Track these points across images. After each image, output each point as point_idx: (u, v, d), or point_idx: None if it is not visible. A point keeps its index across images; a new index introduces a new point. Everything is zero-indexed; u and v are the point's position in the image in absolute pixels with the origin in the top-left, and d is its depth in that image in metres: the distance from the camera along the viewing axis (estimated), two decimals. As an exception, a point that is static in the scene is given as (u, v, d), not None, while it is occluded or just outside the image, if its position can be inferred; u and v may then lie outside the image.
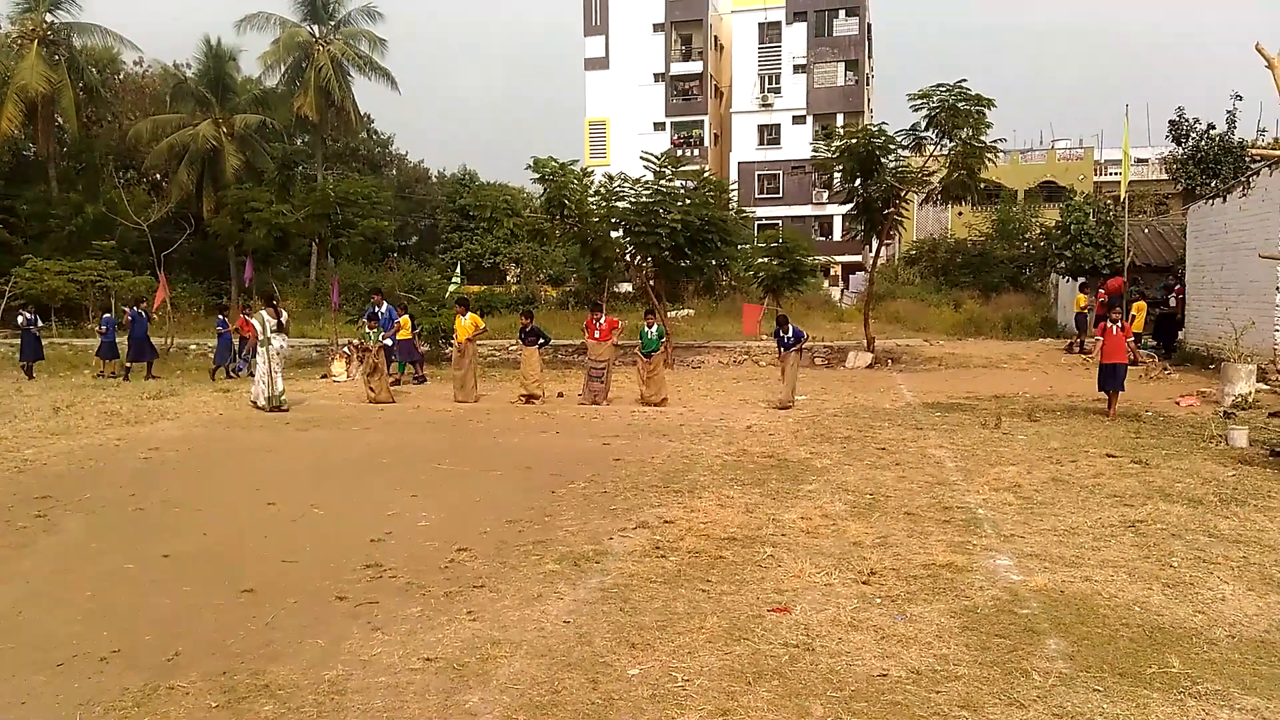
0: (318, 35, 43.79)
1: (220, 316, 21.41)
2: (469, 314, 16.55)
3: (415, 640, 5.15)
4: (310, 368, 22.32)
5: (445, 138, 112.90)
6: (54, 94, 35.93)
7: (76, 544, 7.21)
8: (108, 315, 22.01)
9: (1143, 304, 21.56)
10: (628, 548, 6.89)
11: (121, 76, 47.76)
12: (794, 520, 7.59)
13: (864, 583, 6.08)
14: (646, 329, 15.54)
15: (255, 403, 14.90)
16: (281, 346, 15.24)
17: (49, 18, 37.06)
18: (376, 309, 17.26)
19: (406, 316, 19.11)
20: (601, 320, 15.76)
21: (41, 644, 5.16)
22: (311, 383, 19.34)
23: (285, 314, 15.61)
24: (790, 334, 14.83)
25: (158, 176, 44.12)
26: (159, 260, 26.84)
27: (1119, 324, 13.42)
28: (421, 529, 7.56)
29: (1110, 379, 13.21)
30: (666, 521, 7.60)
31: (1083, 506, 8.09)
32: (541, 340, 16.03)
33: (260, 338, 15.08)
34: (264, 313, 15.41)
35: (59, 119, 38.33)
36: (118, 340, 20.92)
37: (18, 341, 21.86)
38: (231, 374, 20.34)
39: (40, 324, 21.77)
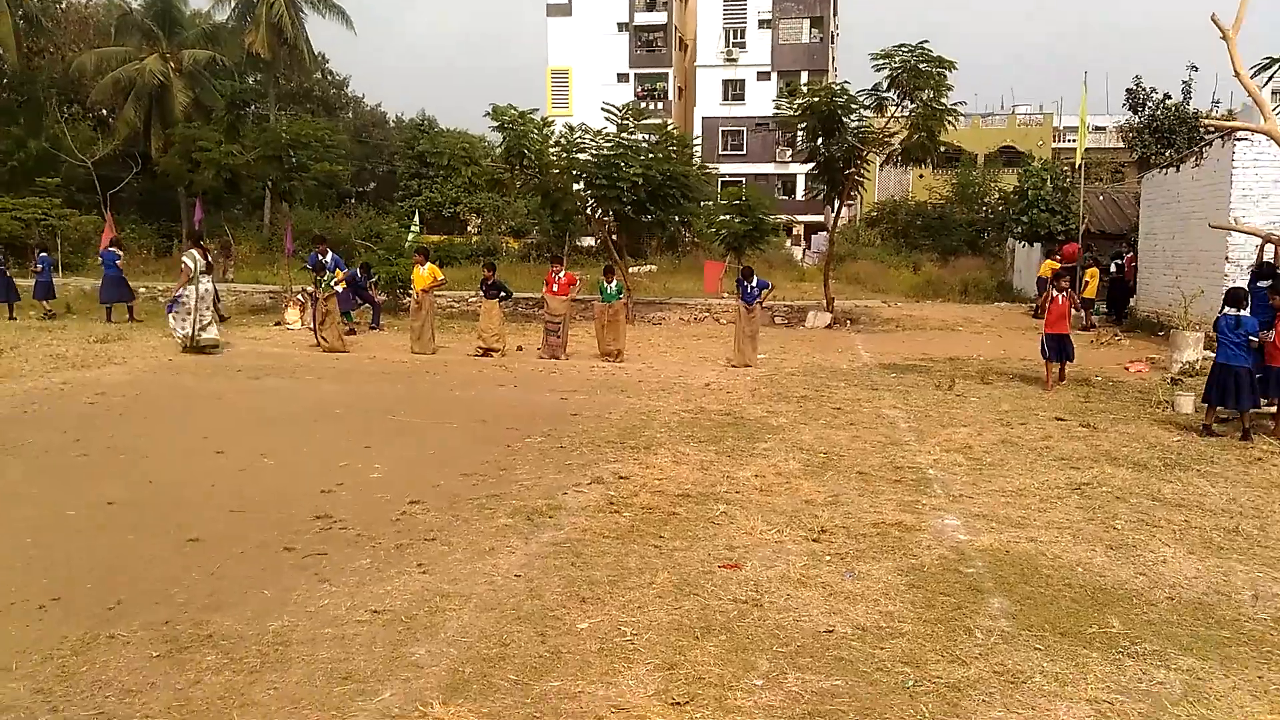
0: (270, -33, 42.36)
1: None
2: (428, 264, 16.27)
3: (364, 592, 5.11)
4: (264, 314, 21.88)
5: (404, 81, 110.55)
6: (-9, 22, 34.36)
7: (16, 488, 7.03)
8: (44, 254, 21.27)
9: (1095, 270, 21.87)
10: (582, 503, 6.88)
11: (64, 5, 45.83)
12: (748, 478, 7.63)
13: (814, 540, 6.14)
14: (606, 284, 15.41)
15: (183, 344, 14.77)
16: (209, 288, 15.08)
17: (-14, -59, 35.30)
18: (321, 257, 16.88)
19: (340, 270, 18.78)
20: (560, 275, 15.58)
21: (-22, 591, 5.03)
22: (265, 330, 18.97)
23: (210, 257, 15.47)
24: (754, 285, 14.78)
25: (104, 112, 42.60)
26: (105, 199, 25.97)
27: (1065, 292, 13.19)
28: (373, 480, 7.48)
29: (1056, 350, 12.90)
30: (621, 478, 7.60)
31: (1031, 469, 8.24)
32: (503, 294, 15.86)
33: (190, 277, 14.82)
34: (194, 251, 15.17)
35: (-2, 49, 36.73)
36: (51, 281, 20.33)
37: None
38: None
39: (5, 262, 20.80)
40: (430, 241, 35.84)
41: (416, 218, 26.72)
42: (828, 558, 5.83)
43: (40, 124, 37.17)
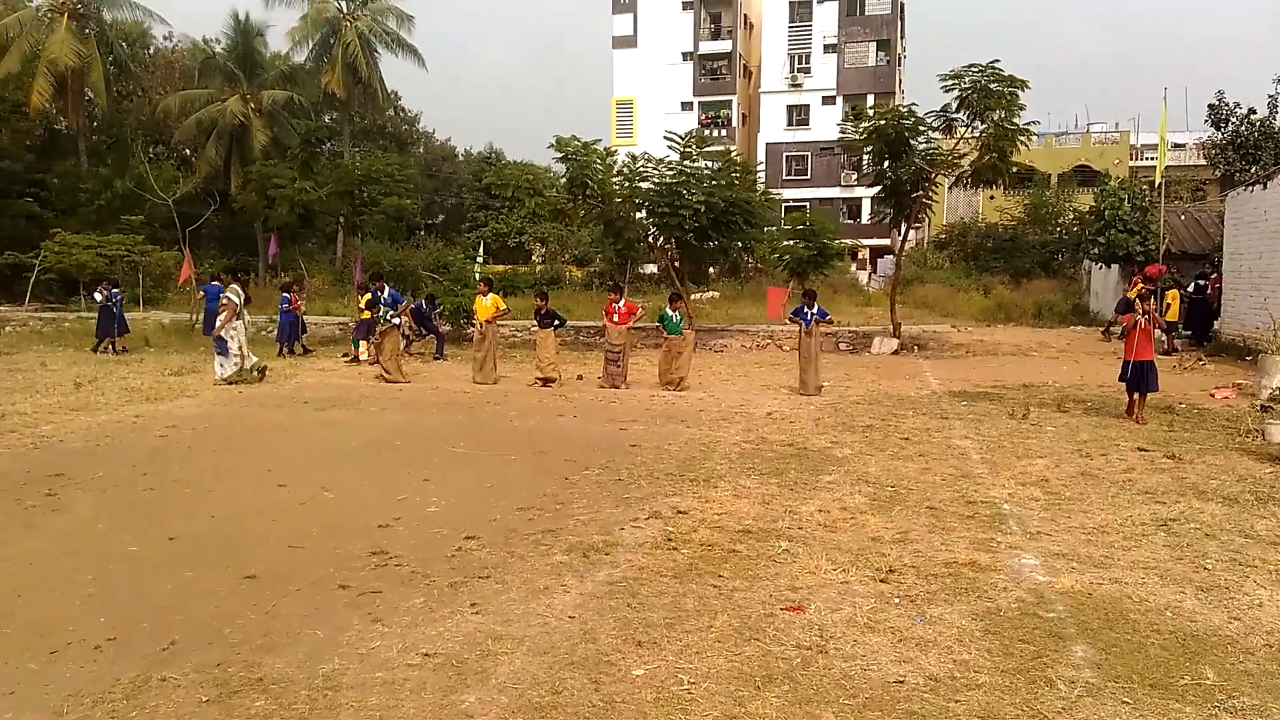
0: (345, 11, 43.78)
1: (284, 294, 21.22)
2: (490, 294, 16.37)
3: (415, 633, 5.01)
4: (333, 345, 22.31)
5: (473, 116, 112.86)
6: (84, 68, 36.04)
7: (84, 524, 7.14)
8: (116, 290, 21.89)
9: (1176, 292, 21.06)
10: (639, 539, 6.72)
11: (152, 51, 47.97)
12: (812, 513, 7.38)
13: (882, 581, 5.87)
14: (670, 312, 15.27)
15: (225, 379, 15.04)
16: (246, 321, 15.64)
17: (78, -9, 37.15)
18: (378, 293, 17.12)
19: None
20: (620, 304, 15.51)
21: (38, 629, 5.06)
22: (333, 361, 19.30)
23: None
24: (815, 311, 14.67)
25: (186, 152, 44.34)
26: (183, 236, 26.87)
27: (1147, 315, 11.94)
28: (430, 515, 7.43)
29: (1138, 379, 11.84)
30: (680, 512, 7.42)
31: (1112, 503, 7.82)
32: (557, 322, 15.86)
33: (237, 312, 15.23)
34: (235, 286, 15.51)
35: (89, 93, 38.49)
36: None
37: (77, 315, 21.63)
38: (289, 353, 20.18)
39: (120, 298, 21.51)
40: (495, 271, 36.37)
41: (481, 249, 27.02)
42: (897, 600, 5.55)
43: (127, 164, 38.83)
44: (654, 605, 5.41)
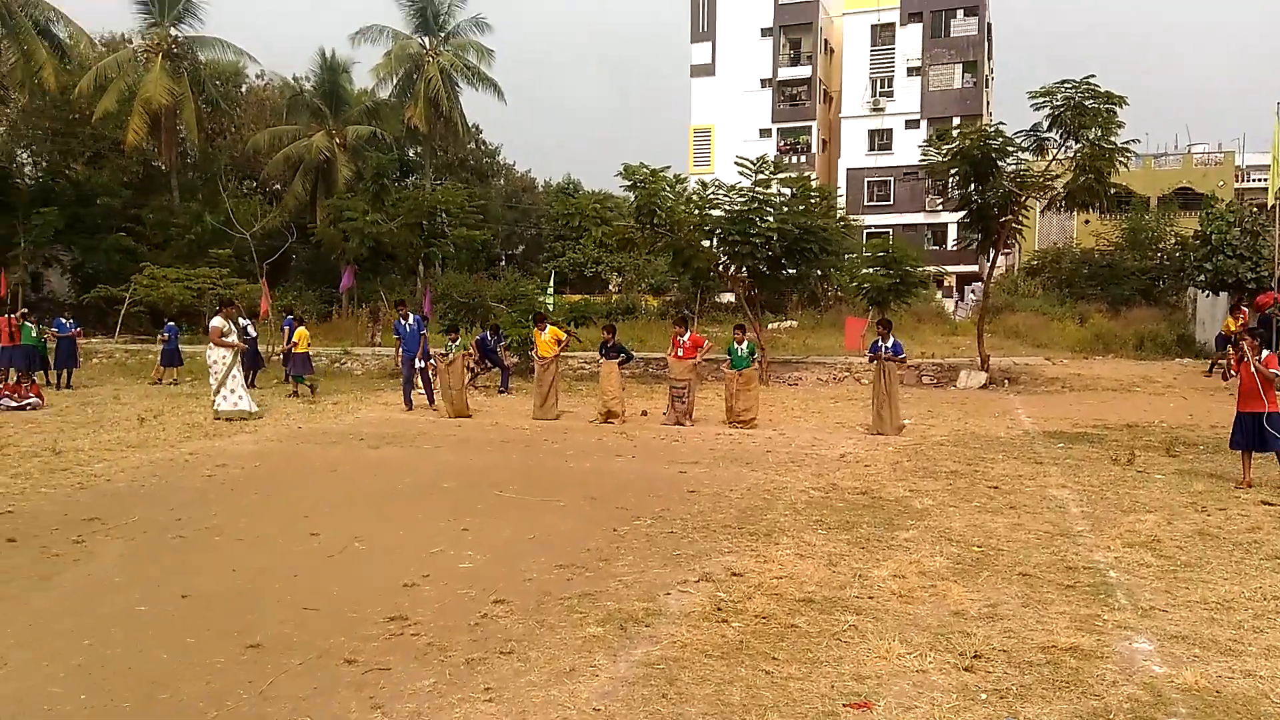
0: (428, 47, 44.55)
1: (288, 317, 21.15)
2: (549, 328, 15.89)
3: (416, 726, 4.38)
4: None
5: (554, 149, 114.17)
6: (176, 106, 37.32)
7: (101, 577, 6.75)
8: (171, 323, 22.23)
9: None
10: (685, 607, 5.98)
11: (244, 89, 49.63)
12: (884, 579, 6.53)
13: (966, 669, 5.00)
14: (736, 345, 14.52)
15: (223, 414, 14.71)
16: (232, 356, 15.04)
17: (173, 31, 38.57)
18: (404, 321, 16.77)
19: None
20: (685, 337, 14.80)
21: (9, 707, 4.60)
22: (398, 395, 19.02)
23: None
24: (890, 344, 13.77)
25: (277, 187, 45.57)
26: (260, 269, 27.31)
27: (1259, 355, 9.71)
28: (461, 572, 6.82)
29: (1251, 434, 9.63)
30: (735, 574, 6.65)
31: (1238, 571, 6.76)
32: (623, 356, 15.30)
33: (222, 342, 14.83)
34: (220, 315, 15.17)
35: (182, 130, 39.84)
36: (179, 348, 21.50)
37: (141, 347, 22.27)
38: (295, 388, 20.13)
39: (176, 332, 22.00)
40: (570, 301, 36.13)
41: (552, 279, 26.74)
42: (984, 695, 4.69)
43: (218, 199, 40.07)
44: (693, 697, 4.66)
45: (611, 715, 4.47)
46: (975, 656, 5.16)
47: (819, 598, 6.15)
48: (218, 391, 14.85)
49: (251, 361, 20.66)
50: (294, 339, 18.81)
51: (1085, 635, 5.47)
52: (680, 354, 14.59)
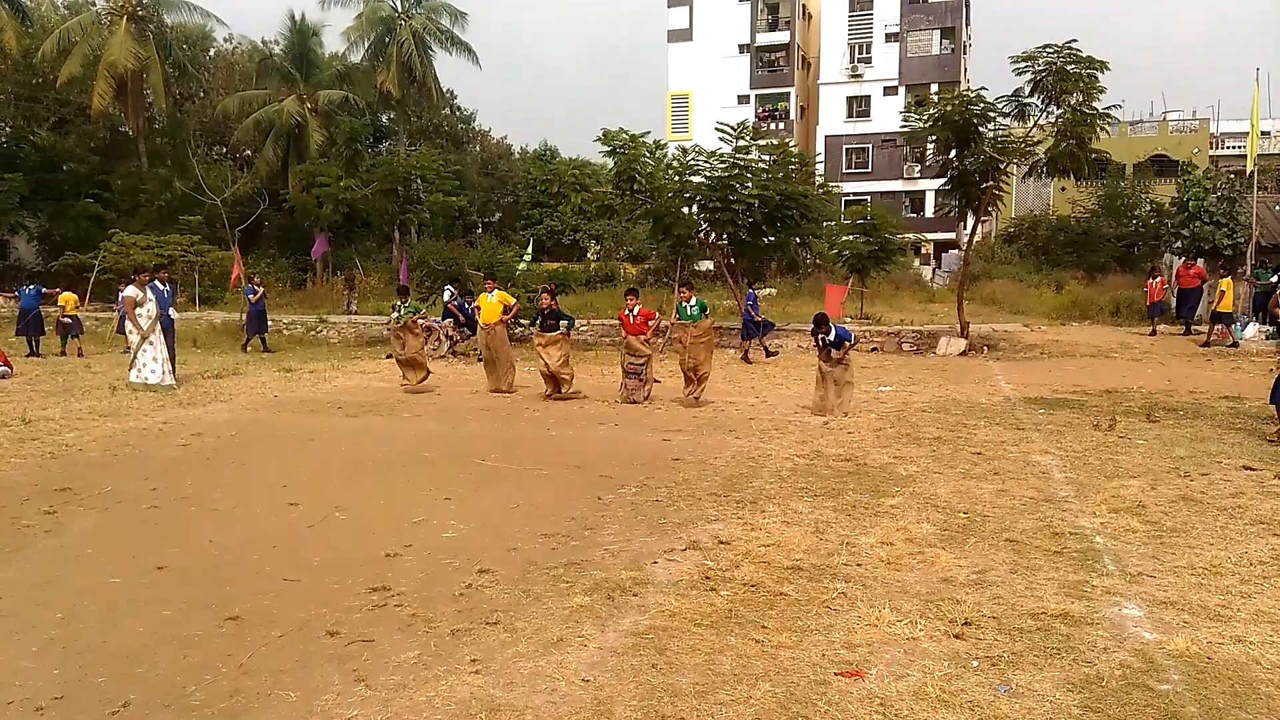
0: (399, 10, 43.64)
1: (249, 285, 20.97)
2: (496, 291, 14.93)
3: (401, 699, 4.27)
4: (380, 346, 21.89)
5: (530, 115, 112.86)
6: (143, 70, 36.40)
7: (73, 549, 6.58)
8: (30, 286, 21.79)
9: (1229, 280, 19.87)
10: (672, 576, 5.91)
11: (211, 53, 48.51)
12: (872, 545, 6.48)
13: (957, 636, 4.97)
14: (684, 304, 13.84)
15: (148, 382, 14.17)
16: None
17: (138, -6, 37.54)
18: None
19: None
20: (635, 310, 13.60)
21: (-19, 684, 4.46)
22: (375, 363, 18.83)
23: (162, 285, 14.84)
24: (833, 336, 12.19)
25: (247, 152, 44.70)
26: (233, 236, 26.83)
27: None
28: (444, 542, 6.70)
29: None
30: (722, 542, 6.58)
31: (1223, 535, 6.77)
32: (566, 324, 13.90)
33: (134, 312, 14.25)
34: (133, 285, 14.53)
35: (149, 95, 38.89)
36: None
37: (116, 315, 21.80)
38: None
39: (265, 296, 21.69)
40: (548, 269, 35.82)
41: (531, 246, 26.43)
42: (975, 663, 4.65)
43: (187, 165, 39.24)
44: (683, 666, 4.59)
45: (601, 686, 4.39)
46: (965, 624, 5.13)
47: (807, 565, 6.09)
48: (131, 365, 14.41)
49: (258, 326, 20.51)
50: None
51: (1075, 601, 5.45)
52: (634, 326, 13.55)
